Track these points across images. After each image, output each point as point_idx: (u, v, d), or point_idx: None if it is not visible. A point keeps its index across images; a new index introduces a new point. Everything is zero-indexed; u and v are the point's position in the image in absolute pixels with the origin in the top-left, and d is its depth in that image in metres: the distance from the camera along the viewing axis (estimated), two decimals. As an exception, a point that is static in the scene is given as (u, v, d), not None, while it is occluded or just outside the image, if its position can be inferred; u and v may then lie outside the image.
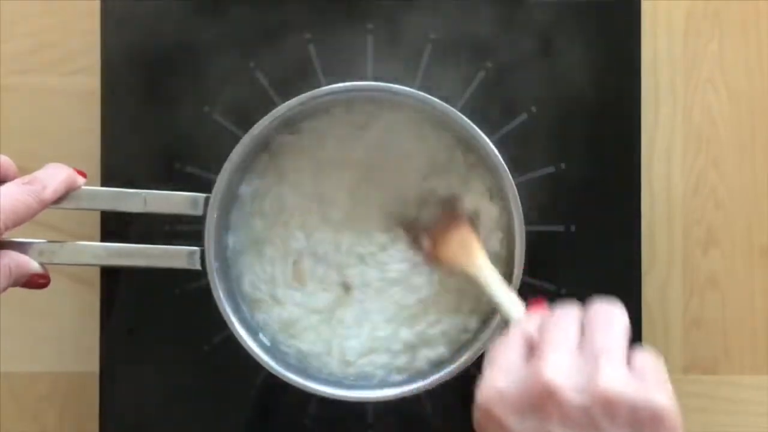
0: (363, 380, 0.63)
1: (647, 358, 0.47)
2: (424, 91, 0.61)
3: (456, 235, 0.62)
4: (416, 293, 0.63)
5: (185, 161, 0.65)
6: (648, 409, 0.45)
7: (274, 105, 0.61)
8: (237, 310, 0.62)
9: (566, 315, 0.49)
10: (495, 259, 0.62)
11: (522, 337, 0.49)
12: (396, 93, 0.61)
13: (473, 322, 0.63)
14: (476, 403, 0.48)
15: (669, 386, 0.46)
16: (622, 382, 0.45)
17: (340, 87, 0.61)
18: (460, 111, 0.60)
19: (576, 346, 0.48)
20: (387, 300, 0.63)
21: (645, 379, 0.46)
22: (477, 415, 0.48)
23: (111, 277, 0.65)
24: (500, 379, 0.47)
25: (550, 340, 0.48)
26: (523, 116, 0.65)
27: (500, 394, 0.47)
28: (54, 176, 0.58)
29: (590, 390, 0.45)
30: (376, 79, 0.64)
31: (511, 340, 0.49)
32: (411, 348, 0.63)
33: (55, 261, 0.60)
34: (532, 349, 0.49)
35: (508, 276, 0.60)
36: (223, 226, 0.63)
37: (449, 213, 0.63)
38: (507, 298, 0.58)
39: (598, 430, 0.45)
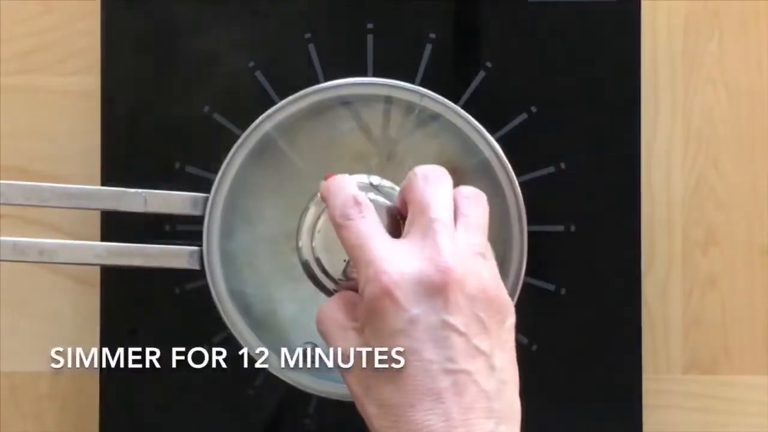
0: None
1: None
2: (424, 91, 0.61)
3: None
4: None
5: (185, 161, 0.65)
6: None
7: (274, 105, 0.61)
8: (237, 310, 0.62)
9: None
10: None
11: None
12: (396, 90, 0.61)
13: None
14: (377, 282, 0.48)
15: None
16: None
17: (338, 83, 0.61)
18: (460, 111, 0.61)
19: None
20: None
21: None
22: (374, 292, 0.48)
23: (111, 277, 0.65)
24: (403, 262, 0.49)
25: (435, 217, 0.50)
26: (523, 116, 0.65)
27: (402, 276, 0.48)
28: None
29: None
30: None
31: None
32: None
33: (56, 261, 0.60)
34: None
35: (507, 276, 0.60)
36: (223, 226, 0.63)
37: None
38: None
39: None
